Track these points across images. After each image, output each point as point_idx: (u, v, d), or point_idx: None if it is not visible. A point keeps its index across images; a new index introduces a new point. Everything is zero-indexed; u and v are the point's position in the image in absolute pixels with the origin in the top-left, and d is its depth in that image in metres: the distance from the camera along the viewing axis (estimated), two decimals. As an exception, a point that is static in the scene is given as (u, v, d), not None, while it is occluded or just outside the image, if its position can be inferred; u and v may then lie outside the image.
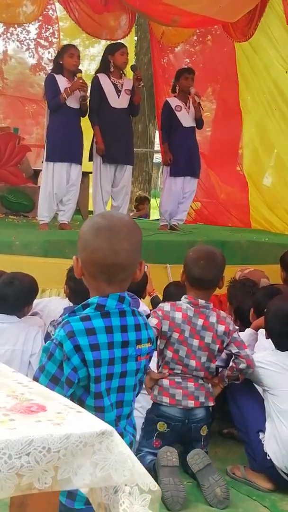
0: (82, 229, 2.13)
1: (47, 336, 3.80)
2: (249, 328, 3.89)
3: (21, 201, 8.01)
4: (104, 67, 6.74)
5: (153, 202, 9.64)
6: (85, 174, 7.21)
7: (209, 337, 3.40)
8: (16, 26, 10.33)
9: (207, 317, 3.42)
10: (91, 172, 7.01)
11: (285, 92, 7.86)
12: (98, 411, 2.04)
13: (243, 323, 4.08)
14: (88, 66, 9.96)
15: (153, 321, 3.36)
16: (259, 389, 3.53)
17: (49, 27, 9.98)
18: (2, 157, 8.09)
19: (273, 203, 8.40)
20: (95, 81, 6.68)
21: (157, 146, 13.67)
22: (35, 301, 4.20)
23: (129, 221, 2.18)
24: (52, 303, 4.36)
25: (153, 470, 3.14)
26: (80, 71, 6.53)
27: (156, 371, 3.47)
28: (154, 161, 13.83)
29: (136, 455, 2.99)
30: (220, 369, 3.69)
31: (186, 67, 7.85)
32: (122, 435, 1.93)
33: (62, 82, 6.43)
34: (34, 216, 7.29)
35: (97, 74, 6.75)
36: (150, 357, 2.28)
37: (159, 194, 8.94)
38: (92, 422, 1.42)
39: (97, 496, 1.46)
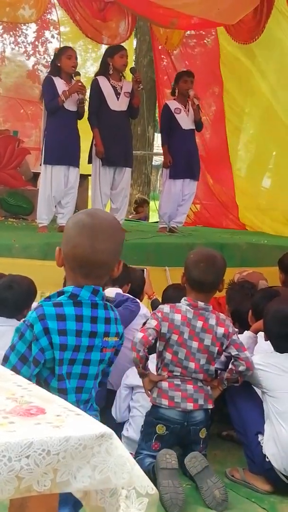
0: (67, 224, 2.28)
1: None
2: (249, 331, 3.89)
3: (20, 204, 8.02)
4: (103, 69, 6.75)
5: (152, 204, 9.65)
6: (84, 177, 7.22)
7: (208, 339, 3.41)
8: (14, 30, 10.34)
9: (206, 319, 3.42)
10: (90, 175, 7.02)
11: (285, 93, 7.86)
12: (62, 392, 2.16)
13: (241, 325, 4.08)
14: (88, 69, 9.96)
15: (152, 323, 3.36)
16: (258, 391, 3.53)
17: (46, 31, 9.99)
18: (1, 160, 8.10)
19: (272, 205, 8.40)
20: (95, 84, 6.69)
21: (156, 149, 13.70)
22: (34, 304, 4.21)
23: (113, 221, 2.31)
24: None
25: (152, 473, 3.14)
26: (79, 73, 6.54)
27: (155, 373, 3.47)
28: (153, 163, 13.83)
29: (135, 458, 3.01)
30: (219, 372, 3.69)
31: (185, 70, 7.86)
32: None
33: (60, 84, 6.44)
34: (34, 219, 7.31)
35: (97, 77, 6.76)
36: (118, 351, 2.42)
37: (158, 196, 8.95)
38: (92, 425, 1.42)
39: (92, 499, 1.46)
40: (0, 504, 1.52)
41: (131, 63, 8.88)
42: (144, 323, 3.52)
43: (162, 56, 9.33)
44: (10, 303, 3.83)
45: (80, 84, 6.39)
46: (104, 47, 8.28)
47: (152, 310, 4.19)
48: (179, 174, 7.13)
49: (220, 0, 7.05)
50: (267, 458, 3.32)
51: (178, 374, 3.41)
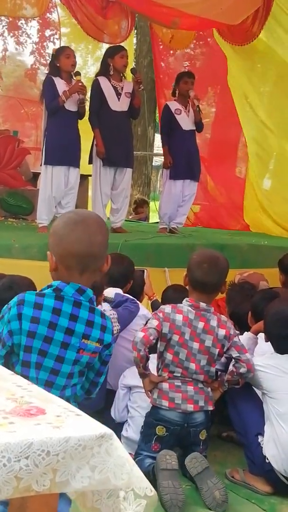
0: (56, 226, 2.32)
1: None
2: (249, 332, 3.88)
3: (20, 204, 8.01)
4: (104, 70, 6.75)
5: (152, 205, 9.64)
6: (84, 177, 7.22)
7: (209, 341, 3.40)
8: (15, 30, 10.33)
9: (207, 320, 3.42)
10: (90, 175, 7.02)
11: (285, 93, 7.87)
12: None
13: (241, 326, 4.07)
14: (89, 69, 9.96)
15: (153, 323, 3.36)
16: (258, 392, 3.52)
17: (47, 31, 9.98)
18: (1, 160, 8.09)
19: (272, 206, 8.40)
20: (95, 84, 6.69)
21: (156, 149, 13.69)
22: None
23: (98, 217, 2.42)
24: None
25: (152, 474, 3.14)
26: (79, 73, 6.53)
27: (155, 374, 3.47)
28: (153, 164, 13.83)
29: (135, 459, 3.01)
30: (219, 373, 3.68)
31: (186, 70, 7.85)
32: None
33: (60, 84, 6.43)
34: (34, 219, 7.30)
35: (97, 77, 6.75)
36: (104, 361, 2.42)
37: (158, 197, 8.94)
38: (92, 425, 1.42)
39: (88, 501, 1.46)
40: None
41: (131, 64, 8.87)
42: (145, 323, 3.51)
43: (163, 57, 9.33)
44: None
45: (80, 84, 6.38)
46: (104, 48, 8.27)
47: (153, 311, 4.18)
48: (179, 175, 7.12)
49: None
50: (267, 459, 3.32)
51: (179, 375, 3.41)
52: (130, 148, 6.94)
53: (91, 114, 6.63)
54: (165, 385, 3.40)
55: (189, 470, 3.23)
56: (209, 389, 3.48)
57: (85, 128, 6.70)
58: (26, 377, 2.20)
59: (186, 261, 3.65)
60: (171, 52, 9.38)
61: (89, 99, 6.64)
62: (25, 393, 1.56)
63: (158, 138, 12.02)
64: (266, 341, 3.60)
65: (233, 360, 3.45)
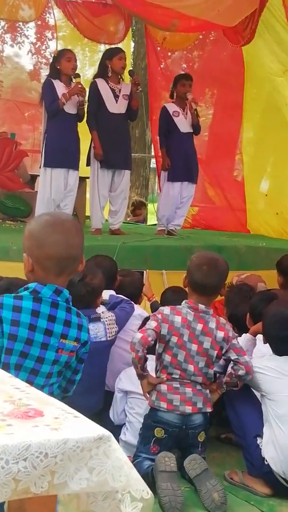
0: (33, 229, 2.32)
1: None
2: (247, 334, 3.88)
3: (18, 206, 8.00)
4: (102, 72, 6.75)
5: (150, 207, 9.64)
6: (82, 179, 7.22)
7: (207, 343, 3.40)
8: (13, 32, 10.35)
9: (206, 322, 3.42)
10: (88, 177, 7.02)
11: (284, 96, 7.87)
12: None
13: (239, 328, 4.07)
14: (86, 72, 9.97)
15: (152, 324, 3.36)
16: (257, 394, 3.52)
17: (45, 32, 9.99)
18: (-1, 162, 8.10)
19: (270, 208, 8.41)
20: (93, 86, 6.70)
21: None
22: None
23: (74, 219, 2.46)
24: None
25: (151, 476, 3.13)
26: (79, 75, 6.54)
27: (154, 375, 3.46)
28: (151, 166, 13.84)
29: (133, 461, 3.01)
30: (217, 375, 3.68)
31: (183, 73, 7.85)
32: None
33: (60, 87, 6.44)
34: (31, 222, 7.28)
35: (95, 79, 6.76)
36: (81, 359, 2.46)
37: (157, 199, 8.94)
38: (90, 427, 1.42)
39: (83, 503, 1.45)
40: None
41: (128, 66, 8.89)
42: (144, 324, 3.51)
43: (160, 60, 9.33)
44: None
45: (80, 86, 6.39)
46: (102, 50, 8.28)
47: (152, 312, 4.19)
48: (177, 177, 7.12)
49: (220, 1, 7.05)
50: (266, 461, 3.31)
51: (177, 376, 3.41)
52: (128, 150, 6.95)
53: (89, 116, 6.64)
54: (163, 387, 3.40)
55: (188, 472, 3.23)
56: (208, 391, 3.48)
57: (83, 130, 6.71)
58: None
59: (184, 263, 3.66)
60: (169, 54, 9.38)
61: (87, 101, 6.65)
62: (23, 396, 1.56)
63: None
64: (265, 342, 3.60)
65: (231, 362, 3.45)
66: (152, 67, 9.25)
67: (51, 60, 7.38)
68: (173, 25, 7.50)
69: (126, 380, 3.73)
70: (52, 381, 2.39)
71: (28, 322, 2.27)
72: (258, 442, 3.39)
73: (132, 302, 4.22)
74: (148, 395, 3.43)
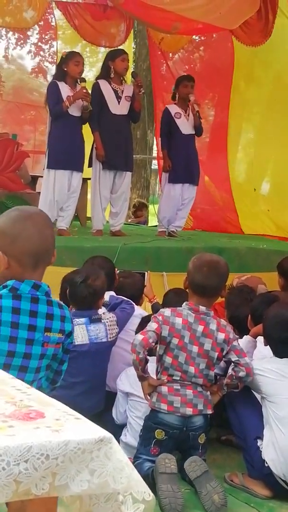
0: (2, 226, 2.29)
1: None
2: (248, 335, 3.88)
3: (19, 207, 8.00)
4: (104, 73, 6.76)
5: (151, 208, 9.64)
6: (84, 180, 7.22)
7: (208, 344, 3.40)
8: (15, 32, 10.36)
9: (207, 324, 3.42)
10: (89, 178, 7.02)
11: (284, 96, 7.88)
12: None
13: (240, 330, 4.07)
14: (87, 73, 9.99)
15: (153, 326, 3.36)
16: (257, 396, 3.52)
17: (48, 33, 10.00)
18: (0, 163, 8.08)
19: (271, 211, 8.41)
20: (96, 87, 6.70)
21: (156, 153, 13.71)
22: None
23: (41, 210, 2.49)
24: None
25: (151, 477, 3.13)
26: (84, 80, 6.54)
27: (155, 377, 3.47)
28: (152, 167, 13.85)
29: (134, 462, 3.00)
30: (218, 377, 3.68)
31: (186, 74, 7.86)
32: None
33: (65, 89, 6.44)
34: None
35: (98, 80, 6.77)
36: (67, 349, 2.44)
37: (158, 200, 8.94)
38: (91, 429, 1.42)
39: (84, 505, 1.45)
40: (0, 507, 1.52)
41: (130, 67, 8.89)
42: (141, 325, 3.51)
43: (162, 61, 9.34)
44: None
45: (85, 91, 6.39)
46: (102, 52, 8.29)
47: (153, 314, 4.19)
48: (178, 179, 7.13)
49: (222, 3, 7.05)
50: (266, 463, 3.31)
51: (178, 378, 3.41)
52: (130, 152, 6.95)
53: (91, 117, 6.64)
54: (164, 389, 3.40)
55: (188, 473, 3.23)
56: (208, 392, 3.48)
57: (85, 131, 6.71)
58: None
59: (185, 265, 3.66)
60: (170, 55, 9.39)
61: (91, 107, 6.64)
62: (25, 397, 1.56)
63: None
64: (265, 344, 3.60)
65: (232, 364, 3.45)
66: (156, 69, 9.26)
67: (53, 60, 7.38)
68: (174, 28, 7.49)
69: (126, 381, 3.73)
70: (41, 375, 2.39)
71: (9, 321, 2.26)
72: (258, 444, 3.39)
73: (132, 303, 4.22)
74: (148, 397, 3.43)
